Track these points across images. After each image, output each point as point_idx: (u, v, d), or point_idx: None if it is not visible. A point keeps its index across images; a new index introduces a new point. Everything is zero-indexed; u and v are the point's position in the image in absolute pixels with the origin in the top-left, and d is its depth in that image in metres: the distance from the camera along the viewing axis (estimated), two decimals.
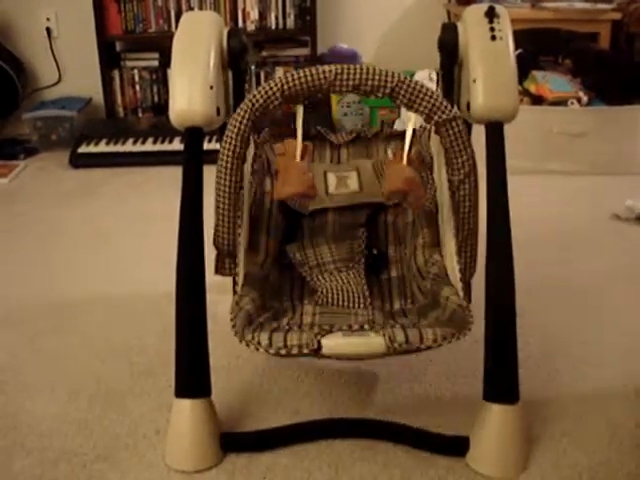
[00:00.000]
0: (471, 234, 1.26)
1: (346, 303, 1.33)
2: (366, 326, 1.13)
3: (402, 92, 1.15)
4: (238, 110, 1.18)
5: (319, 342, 1.05)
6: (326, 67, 1.16)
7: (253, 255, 1.36)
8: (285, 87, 1.16)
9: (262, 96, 1.17)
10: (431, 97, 1.16)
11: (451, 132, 1.17)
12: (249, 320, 1.14)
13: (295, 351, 1.05)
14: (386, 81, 1.15)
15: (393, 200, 1.41)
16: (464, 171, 1.19)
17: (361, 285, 1.37)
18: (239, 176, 1.21)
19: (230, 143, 1.18)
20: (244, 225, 1.33)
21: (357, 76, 1.15)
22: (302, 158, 1.28)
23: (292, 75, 1.16)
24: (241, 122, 1.17)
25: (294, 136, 1.30)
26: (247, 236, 1.36)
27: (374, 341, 1.06)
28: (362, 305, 1.32)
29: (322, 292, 1.36)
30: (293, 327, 1.19)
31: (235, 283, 1.33)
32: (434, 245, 1.37)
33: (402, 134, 1.43)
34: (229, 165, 1.19)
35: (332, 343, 1.06)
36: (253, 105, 1.17)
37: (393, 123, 2.74)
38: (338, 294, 1.35)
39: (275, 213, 1.47)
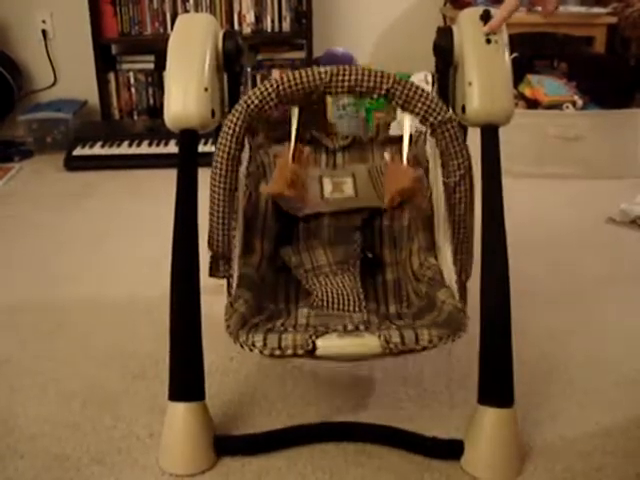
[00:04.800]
0: (466, 236, 1.25)
1: (341, 306, 1.30)
2: (361, 327, 1.12)
3: (397, 93, 1.15)
4: (233, 111, 1.18)
5: (314, 343, 1.04)
6: (322, 68, 1.15)
7: (248, 257, 1.35)
8: (281, 88, 1.16)
9: (257, 97, 1.16)
10: (426, 99, 1.15)
11: (447, 134, 1.17)
12: (243, 321, 1.13)
13: (289, 352, 1.04)
14: (382, 82, 1.15)
15: (396, 201, 1.36)
16: (459, 173, 1.19)
17: (356, 288, 1.35)
18: (234, 178, 1.20)
19: (225, 144, 1.18)
20: (239, 227, 1.33)
21: (352, 77, 1.14)
22: (294, 160, 1.28)
23: (288, 76, 1.16)
24: (236, 123, 1.17)
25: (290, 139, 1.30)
26: (242, 238, 1.36)
27: (369, 342, 1.05)
28: (357, 309, 1.30)
29: (317, 295, 1.33)
30: (288, 328, 1.17)
31: (229, 285, 1.32)
32: (429, 249, 1.37)
33: (397, 139, 1.45)
34: (224, 167, 1.19)
35: (327, 344, 1.05)
36: (248, 106, 1.16)
37: (389, 126, 2.74)
38: (333, 297, 1.32)
39: (270, 216, 1.47)
